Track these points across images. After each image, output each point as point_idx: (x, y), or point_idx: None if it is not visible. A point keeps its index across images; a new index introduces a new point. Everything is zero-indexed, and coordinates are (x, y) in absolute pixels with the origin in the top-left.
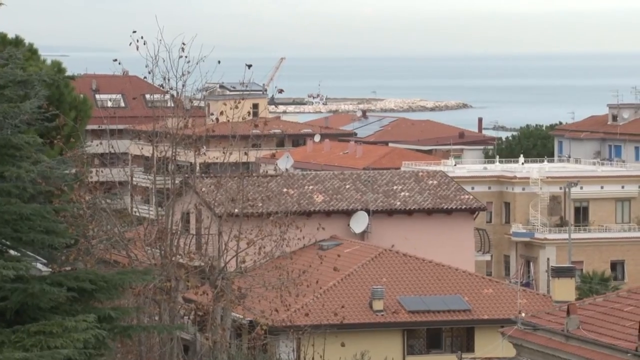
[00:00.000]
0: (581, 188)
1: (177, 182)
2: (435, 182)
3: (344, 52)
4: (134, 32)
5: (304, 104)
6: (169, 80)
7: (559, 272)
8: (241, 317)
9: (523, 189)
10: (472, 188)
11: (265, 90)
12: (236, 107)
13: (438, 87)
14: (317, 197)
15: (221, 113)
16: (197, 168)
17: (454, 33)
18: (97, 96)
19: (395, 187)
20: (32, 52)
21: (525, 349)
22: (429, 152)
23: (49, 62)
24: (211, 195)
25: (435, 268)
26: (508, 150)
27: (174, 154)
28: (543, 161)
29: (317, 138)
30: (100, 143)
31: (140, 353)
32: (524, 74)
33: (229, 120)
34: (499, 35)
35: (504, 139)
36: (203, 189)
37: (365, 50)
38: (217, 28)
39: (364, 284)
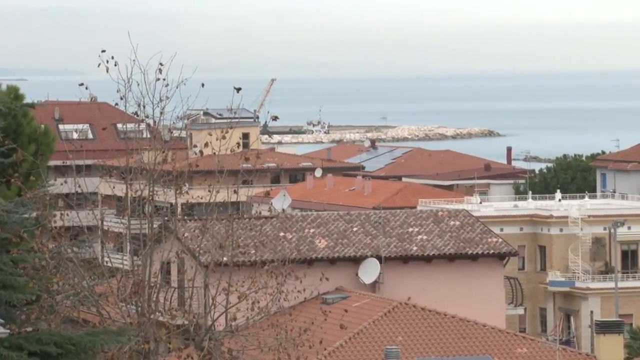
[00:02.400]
0: (629, 228)
1: (155, 226)
2: (457, 223)
3: (347, 72)
4: (103, 51)
5: (303, 132)
6: (144, 106)
7: (604, 328)
8: None
9: (561, 230)
10: (501, 229)
11: (257, 118)
12: (223, 137)
13: (459, 112)
14: (320, 242)
15: (206, 144)
16: (179, 209)
17: (477, 49)
18: (61, 126)
19: (410, 230)
20: None
21: None
22: (450, 187)
23: (3, 87)
24: (196, 242)
25: (459, 324)
26: (542, 184)
27: (151, 193)
28: (584, 197)
29: (318, 173)
30: (65, 181)
31: None
32: (559, 95)
33: (215, 153)
34: (528, 50)
35: (537, 172)
36: (186, 234)
37: (373, 69)
38: (199, 46)
39: (376, 344)
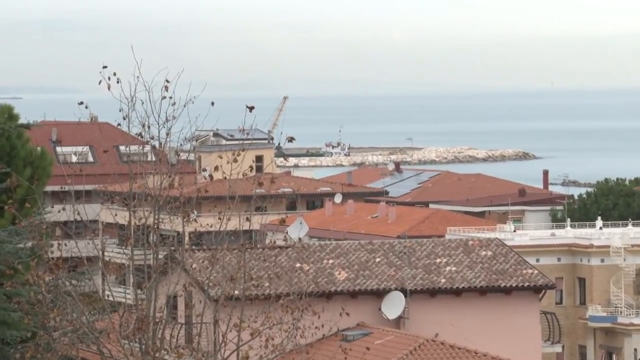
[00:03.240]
0: None
1: (160, 257)
2: (489, 253)
3: (369, 89)
4: (105, 67)
5: (321, 155)
6: (149, 127)
7: None
8: None
9: (602, 261)
10: (537, 260)
11: (272, 139)
12: (235, 160)
13: (491, 132)
14: (340, 273)
15: (216, 168)
16: (187, 239)
17: (511, 63)
18: (59, 149)
19: (438, 261)
20: None
21: None
22: (481, 214)
23: None
24: (205, 274)
25: None
26: (582, 211)
27: (156, 221)
28: (627, 225)
29: (338, 198)
30: (63, 208)
31: None
32: (600, 114)
33: (225, 177)
34: (567, 65)
35: (576, 197)
36: (194, 266)
37: (397, 86)
38: (208, 61)
39: None
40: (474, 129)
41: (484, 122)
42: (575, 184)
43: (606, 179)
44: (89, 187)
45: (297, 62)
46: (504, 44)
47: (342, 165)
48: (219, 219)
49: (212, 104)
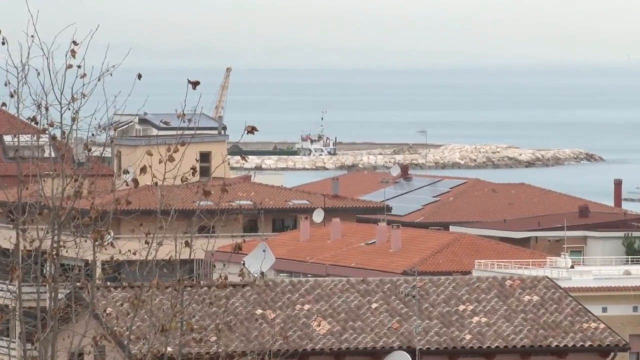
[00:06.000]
0: None
1: (61, 296)
2: (535, 298)
3: (368, 60)
4: None
5: (295, 153)
6: (47, 109)
7: None
8: None
9: None
10: (604, 310)
11: (224, 129)
12: (171, 158)
13: (540, 124)
14: (319, 325)
15: (143, 170)
16: (99, 271)
17: (564, 30)
18: None
19: (462, 308)
20: None
21: None
22: (525, 242)
23: None
24: (124, 322)
25: None
26: None
27: (55, 244)
28: None
29: (318, 216)
30: None
31: None
32: None
33: (156, 183)
34: None
35: None
36: (109, 310)
37: (405, 56)
38: (134, 17)
39: None
40: (515, 119)
41: (529, 109)
42: None
43: None
44: None
45: (259, 19)
46: (552, 3)
47: (324, 168)
48: (146, 242)
49: (139, 76)
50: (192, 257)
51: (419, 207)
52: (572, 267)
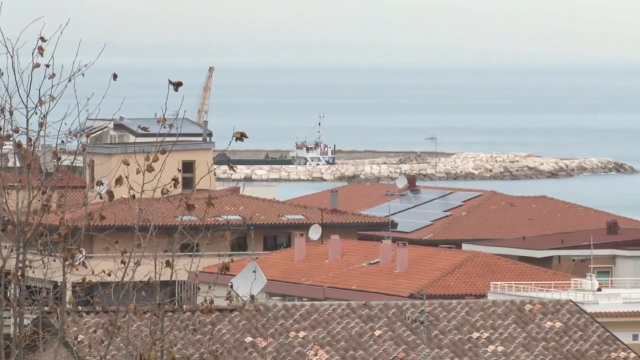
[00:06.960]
0: None
1: (26, 322)
2: (559, 324)
3: (365, 58)
4: None
5: (289, 162)
6: (11, 113)
7: None
8: None
9: None
10: (635, 337)
11: (210, 135)
12: (150, 168)
13: (563, 129)
14: (317, 354)
15: (118, 181)
16: (69, 294)
17: (592, 24)
18: None
19: (476, 336)
20: None
21: None
22: (547, 262)
23: None
24: (98, 350)
25: None
26: None
27: (21, 264)
28: None
29: (314, 233)
30: None
31: None
32: None
33: (134, 196)
34: None
35: None
36: (80, 337)
37: (412, 53)
38: (109, 10)
39: None
40: (535, 124)
41: (550, 112)
42: None
43: None
44: None
45: (249, 12)
46: None
47: (322, 180)
48: (122, 262)
49: (115, 77)
50: (173, 278)
51: (428, 222)
52: (599, 289)
